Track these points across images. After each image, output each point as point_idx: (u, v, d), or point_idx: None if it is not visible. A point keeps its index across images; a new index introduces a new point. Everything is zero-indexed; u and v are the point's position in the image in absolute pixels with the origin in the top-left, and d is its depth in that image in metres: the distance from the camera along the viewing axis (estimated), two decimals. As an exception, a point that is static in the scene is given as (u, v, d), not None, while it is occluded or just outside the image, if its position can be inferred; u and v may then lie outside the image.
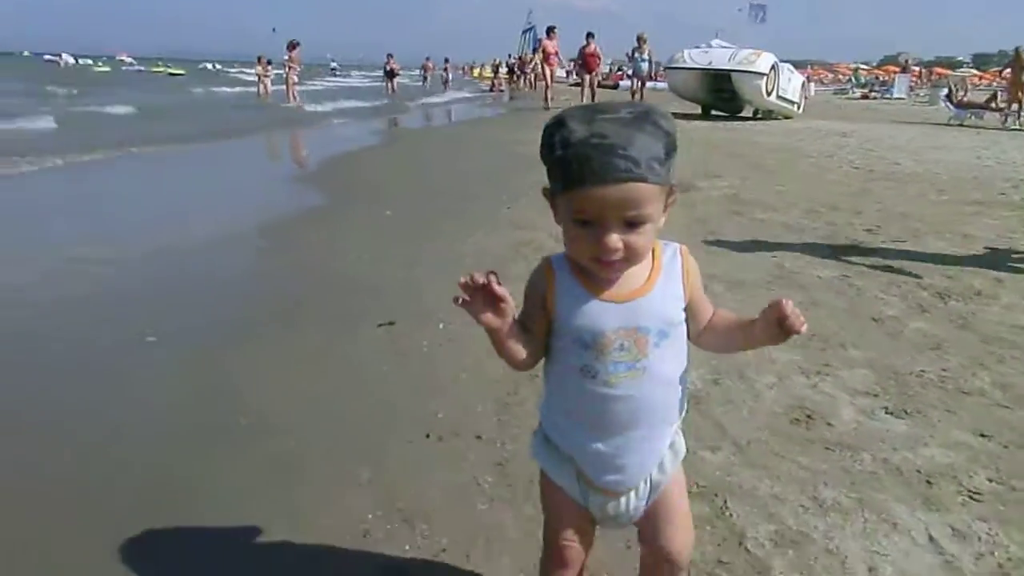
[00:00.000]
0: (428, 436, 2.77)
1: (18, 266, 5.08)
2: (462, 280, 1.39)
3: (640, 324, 1.46)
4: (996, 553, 2.12)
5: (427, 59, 45.68)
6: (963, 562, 2.08)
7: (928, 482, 2.47)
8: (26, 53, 68.90)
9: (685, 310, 1.53)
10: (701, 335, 1.58)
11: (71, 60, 61.28)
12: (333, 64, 60.79)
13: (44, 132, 12.78)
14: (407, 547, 2.14)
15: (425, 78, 44.00)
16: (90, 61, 61.40)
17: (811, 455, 2.63)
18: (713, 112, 20.19)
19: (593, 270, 1.44)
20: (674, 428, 1.59)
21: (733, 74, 18.14)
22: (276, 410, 3.01)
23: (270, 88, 23.65)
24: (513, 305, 1.44)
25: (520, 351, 1.49)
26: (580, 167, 1.34)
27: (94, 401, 3.12)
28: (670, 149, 1.37)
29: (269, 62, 23.91)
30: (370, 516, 2.27)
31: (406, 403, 3.04)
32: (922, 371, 3.32)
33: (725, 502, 2.34)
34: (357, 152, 11.97)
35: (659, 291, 1.48)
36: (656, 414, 1.53)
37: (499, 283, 1.41)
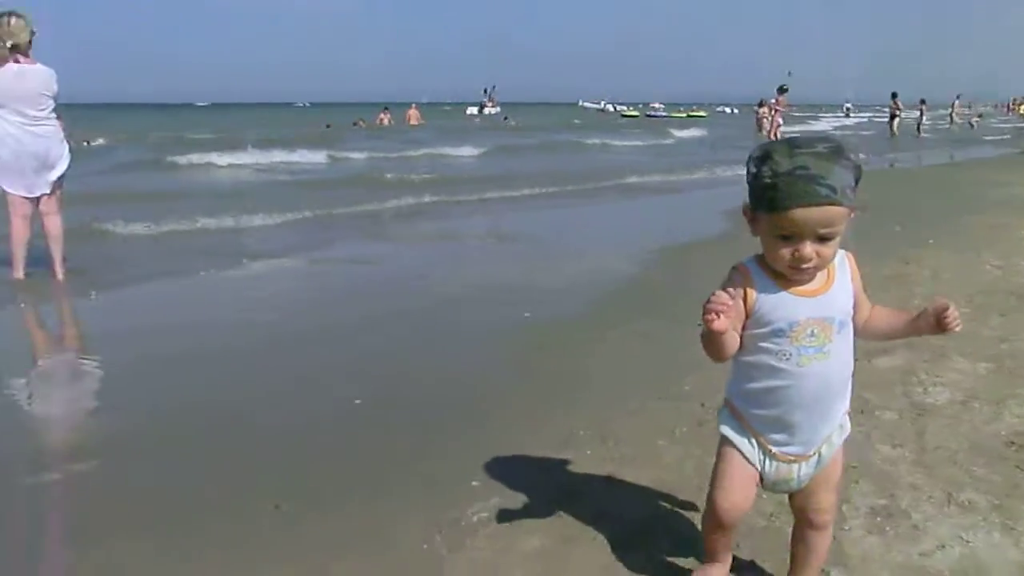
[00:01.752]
0: (660, 398, 3.48)
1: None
2: (718, 304, 1.67)
3: (827, 314, 1.77)
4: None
5: (957, 97, 41.93)
6: (1046, 565, 2.15)
7: (1101, 513, 2.42)
8: (580, 103, 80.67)
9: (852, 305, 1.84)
10: (864, 326, 1.89)
11: (610, 107, 70.37)
12: (848, 104, 59.04)
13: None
14: (588, 452, 2.96)
15: (951, 119, 40.38)
16: (623, 107, 69.41)
17: (991, 468, 2.72)
18: None
19: (788, 275, 1.75)
20: (845, 408, 1.90)
21: None
22: (581, 364, 4.00)
23: (767, 129, 24.79)
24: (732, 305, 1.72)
25: (730, 345, 1.79)
26: (788, 192, 1.63)
27: (470, 354, 4.52)
28: (858, 178, 1.68)
29: (761, 103, 25.23)
30: (580, 432, 3.13)
31: (672, 377, 3.74)
32: None
33: (859, 480, 2.65)
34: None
35: (837, 288, 1.80)
36: (835, 392, 1.84)
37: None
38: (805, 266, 1.70)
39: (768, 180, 1.65)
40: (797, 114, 52.43)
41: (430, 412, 3.50)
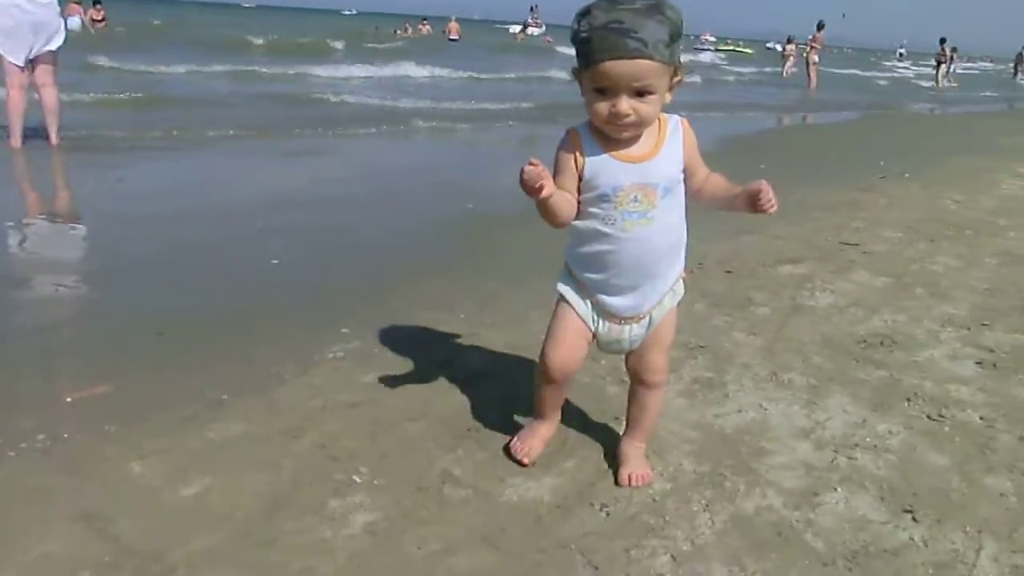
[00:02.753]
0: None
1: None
2: (529, 179, 1.66)
3: (650, 181, 1.79)
4: (859, 435, 2.31)
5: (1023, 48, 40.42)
6: (824, 431, 2.32)
7: (908, 400, 2.56)
8: None
9: (684, 171, 1.86)
10: (696, 193, 1.89)
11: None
12: (901, 50, 56.99)
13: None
14: (463, 316, 3.16)
15: (1015, 71, 38.99)
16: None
17: (829, 358, 2.86)
18: None
19: (608, 132, 1.75)
20: (677, 274, 1.94)
21: None
22: (494, 246, 4.16)
23: (788, 68, 24.88)
24: (547, 172, 1.71)
25: (563, 208, 1.79)
26: (600, 45, 1.64)
27: (402, 233, 4.69)
28: (674, 35, 1.67)
29: (790, 40, 25.36)
30: (465, 300, 3.32)
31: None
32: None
33: (698, 357, 2.82)
34: (795, 128, 12.28)
35: (664, 154, 1.81)
36: (661, 256, 1.87)
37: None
38: (622, 122, 1.70)
39: (584, 34, 1.67)
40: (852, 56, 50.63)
41: (338, 276, 3.71)
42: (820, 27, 21.55)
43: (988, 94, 26.26)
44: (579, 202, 1.84)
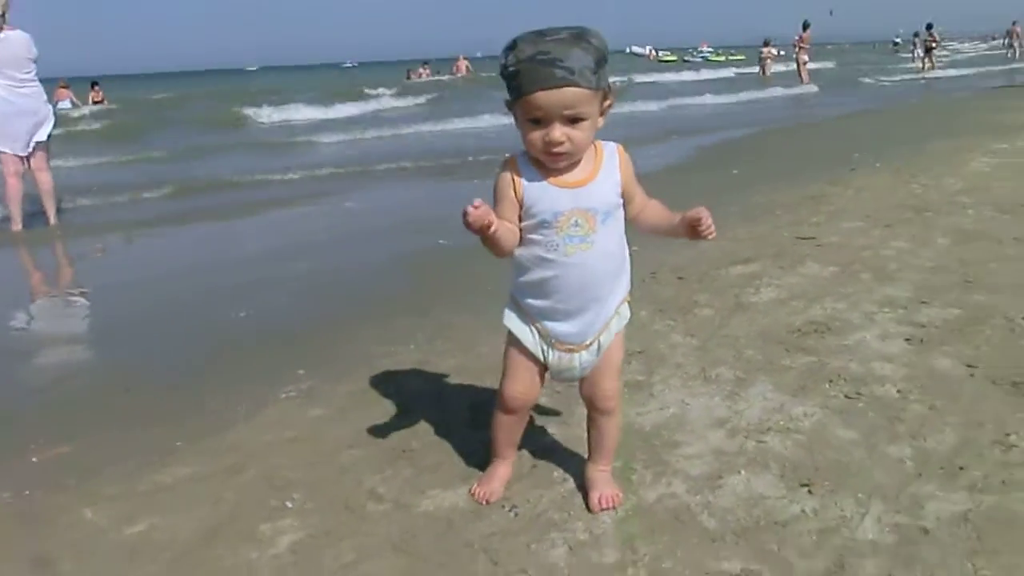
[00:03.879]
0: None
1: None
2: (470, 209, 1.70)
3: (590, 205, 1.82)
4: (774, 419, 2.42)
5: (1014, 23, 40.29)
6: (740, 419, 2.44)
7: (830, 382, 2.67)
8: (628, 50, 76.58)
9: (622, 196, 1.90)
10: (634, 220, 1.93)
11: (652, 52, 68.81)
12: (897, 39, 57.19)
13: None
14: (412, 347, 3.32)
15: (1010, 46, 38.94)
16: (665, 52, 67.70)
17: (761, 350, 2.97)
18: None
19: (545, 161, 1.79)
20: (621, 298, 1.96)
21: None
22: (461, 280, 4.32)
23: (770, 71, 27.02)
24: (491, 210, 1.76)
25: (507, 239, 1.83)
26: (529, 77, 1.69)
27: (370, 271, 4.88)
28: (600, 61, 1.72)
29: (766, 43, 28.20)
30: (418, 334, 3.48)
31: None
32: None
33: (632, 361, 2.94)
34: (772, 131, 12.31)
35: (601, 180, 1.84)
36: (604, 281, 1.89)
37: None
38: (556, 150, 1.74)
39: (512, 68, 1.71)
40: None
41: (301, 321, 3.88)
42: (806, 27, 21.77)
43: (974, 72, 26.35)
44: (521, 230, 1.87)
